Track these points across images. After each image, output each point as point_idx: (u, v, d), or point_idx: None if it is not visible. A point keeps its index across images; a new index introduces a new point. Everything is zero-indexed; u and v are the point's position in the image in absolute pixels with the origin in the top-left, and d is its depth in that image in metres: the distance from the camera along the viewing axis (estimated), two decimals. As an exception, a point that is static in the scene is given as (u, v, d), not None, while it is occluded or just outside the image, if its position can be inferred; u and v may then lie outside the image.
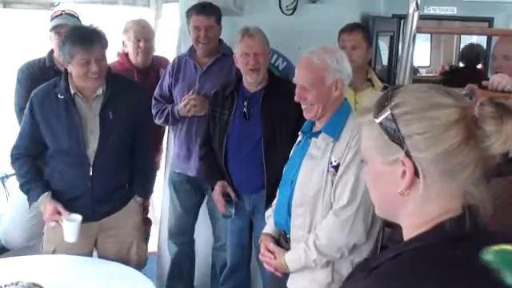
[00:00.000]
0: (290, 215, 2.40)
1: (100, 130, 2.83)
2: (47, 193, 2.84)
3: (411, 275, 1.03)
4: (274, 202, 2.64)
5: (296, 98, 2.39)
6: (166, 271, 3.85)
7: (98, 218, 2.95)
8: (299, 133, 2.54)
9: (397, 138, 1.09)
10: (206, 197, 3.59)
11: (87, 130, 2.83)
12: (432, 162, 1.07)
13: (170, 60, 3.89)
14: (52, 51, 3.44)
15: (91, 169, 2.84)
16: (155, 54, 4.03)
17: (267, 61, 3.16)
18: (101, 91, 2.86)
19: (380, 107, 1.12)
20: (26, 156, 2.91)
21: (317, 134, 2.38)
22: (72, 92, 2.82)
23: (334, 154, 2.29)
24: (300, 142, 2.52)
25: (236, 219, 3.21)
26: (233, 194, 3.14)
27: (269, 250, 2.48)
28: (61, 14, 3.38)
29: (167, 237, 3.80)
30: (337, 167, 2.28)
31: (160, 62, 4.02)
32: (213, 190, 3.22)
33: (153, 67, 3.93)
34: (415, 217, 1.13)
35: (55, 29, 3.35)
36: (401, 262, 1.07)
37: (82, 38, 2.74)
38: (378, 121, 1.11)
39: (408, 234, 1.14)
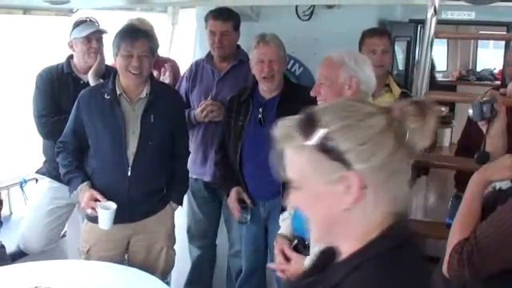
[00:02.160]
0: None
1: (140, 132, 2.89)
2: (86, 182, 2.92)
3: (382, 284, 1.06)
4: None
5: (312, 93, 2.39)
6: (183, 277, 3.86)
7: (134, 219, 2.99)
8: None
9: (337, 155, 1.08)
10: (223, 203, 3.60)
11: (129, 131, 2.90)
12: (377, 170, 1.09)
13: (185, 64, 3.90)
14: (70, 57, 3.45)
15: (130, 169, 2.89)
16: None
17: (282, 68, 3.15)
18: (145, 94, 2.93)
19: (308, 129, 1.10)
20: (70, 150, 3.00)
21: None
22: (118, 92, 2.90)
23: None
24: None
25: (251, 225, 3.21)
26: (248, 200, 3.14)
27: (284, 255, 2.46)
28: (85, 21, 3.39)
29: (188, 241, 3.81)
30: None
31: (165, 62, 4.01)
32: (227, 196, 3.22)
33: (156, 64, 3.91)
34: (359, 229, 1.13)
35: (92, 35, 3.35)
36: (366, 274, 1.08)
37: (129, 32, 2.90)
38: (311, 143, 1.09)
39: (351, 247, 1.14)
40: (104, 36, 3.42)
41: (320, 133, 1.09)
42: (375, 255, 1.10)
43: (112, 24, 3.52)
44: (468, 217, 1.78)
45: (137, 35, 2.86)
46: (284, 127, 1.15)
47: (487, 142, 2.02)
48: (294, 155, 1.14)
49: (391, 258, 1.10)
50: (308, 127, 1.10)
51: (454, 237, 1.73)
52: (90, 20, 3.41)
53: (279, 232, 2.58)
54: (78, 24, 3.39)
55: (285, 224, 2.60)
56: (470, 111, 2.05)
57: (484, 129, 2.03)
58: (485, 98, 2.03)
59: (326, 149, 1.08)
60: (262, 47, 3.04)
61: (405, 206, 1.15)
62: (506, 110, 2.08)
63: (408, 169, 1.13)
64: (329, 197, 1.12)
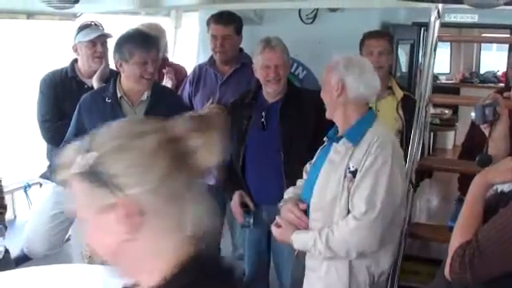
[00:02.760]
0: (307, 215, 2.43)
1: None
2: None
3: None
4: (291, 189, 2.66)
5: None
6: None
7: None
8: (325, 138, 2.54)
9: (105, 181, 1.00)
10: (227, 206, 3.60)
11: None
12: (153, 194, 1.00)
13: (187, 68, 3.91)
14: (74, 61, 3.46)
15: None
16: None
17: (287, 71, 3.14)
18: (145, 97, 2.94)
19: (83, 153, 1.03)
20: None
21: (338, 140, 2.39)
22: (119, 95, 2.91)
23: (352, 160, 2.30)
24: (325, 146, 2.53)
25: (254, 229, 3.20)
26: (251, 204, 3.14)
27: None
28: (90, 25, 3.40)
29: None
30: (354, 173, 2.28)
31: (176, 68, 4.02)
32: (230, 199, 3.22)
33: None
34: (152, 261, 1.04)
35: (97, 39, 3.36)
36: None
37: (143, 39, 2.89)
38: (79, 170, 1.02)
39: (150, 283, 1.04)
40: (108, 40, 3.43)
41: (88, 157, 1.01)
42: None
43: (115, 28, 3.53)
44: (470, 219, 1.77)
45: (150, 43, 2.89)
46: (68, 152, 1.05)
47: (489, 145, 2.02)
48: (74, 183, 1.04)
49: None
50: (83, 151, 1.03)
51: (456, 240, 1.73)
52: (95, 24, 3.42)
53: (285, 197, 2.61)
54: (82, 28, 3.39)
55: (289, 191, 2.64)
56: (473, 114, 2.05)
57: (486, 132, 2.04)
58: (487, 101, 2.03)
59: (93, 174, 1.00)
60: (267, 52, 3.03)
61: (203, 231, 1.06)
62: (509, 113, 2.08)
63: (196, 189, 1.06)
64: (105, 228, 1.02)
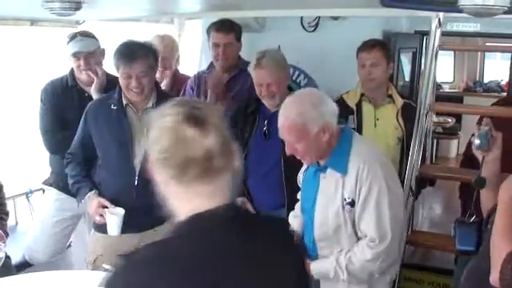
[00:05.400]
0: (314, 244, 2.44)
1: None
2: (94, 191, 2.94)
3: None
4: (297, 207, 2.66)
5: (287, 153, 2.36)
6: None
7: (141, 229, 2.98)
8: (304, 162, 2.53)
9: None
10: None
11: (135, 140, 2.89)
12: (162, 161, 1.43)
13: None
14: (73, 70, 3.43)
15: (137, 179, 2.89)
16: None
17: (283, 86, 3.08)
18: (151, 104, 2.94)
19: None
20: (78, 161, 3.03)
21: (324, 169, 2.37)
22: (124, 103, 2.93)
23: (345, 191, 2.29)
24: (307, 169, 2.51)
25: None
26: (253, 211, 3.13)
27: None
28: (76, 37, 3.32)
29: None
30: (352, 203, 2.29)
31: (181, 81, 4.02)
32: (233, 205, 3.21)
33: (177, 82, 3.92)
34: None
35: (73, 55, 3.32)
36: None
37: (125, 53, 2.86)
38: None
39: None
40: (105, 47, 3.40)
41: None
42: None
43: (119, 35, 3.53)
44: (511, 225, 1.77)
45: (134, 56, 2.82)
46: None
47: (483, 167, 2.05)
48: None
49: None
50: None
51: (503, 246, 1.72)
52: (81, 35, 3.35)
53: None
54: (70, 38, 3.33)
55: (296, 221, 2.63)
56: (477, 141, 2.04)
57: (480, 157, 2.06)
58: (485, 127, 2.05)
59: None
60: (258, 72, 3.02)
61: None
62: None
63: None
64: None
